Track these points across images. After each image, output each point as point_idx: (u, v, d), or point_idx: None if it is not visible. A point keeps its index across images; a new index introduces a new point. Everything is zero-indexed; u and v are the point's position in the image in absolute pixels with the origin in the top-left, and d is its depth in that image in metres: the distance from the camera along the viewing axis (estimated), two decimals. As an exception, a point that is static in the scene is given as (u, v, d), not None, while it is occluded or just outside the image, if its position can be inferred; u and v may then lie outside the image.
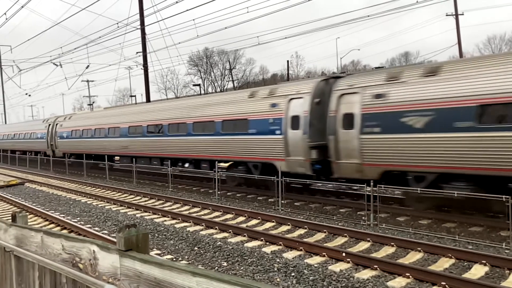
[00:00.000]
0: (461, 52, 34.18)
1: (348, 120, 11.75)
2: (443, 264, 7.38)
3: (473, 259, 7.37)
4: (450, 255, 7.60)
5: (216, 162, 16.11)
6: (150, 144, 19.97)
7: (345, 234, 9.37)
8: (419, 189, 10.13)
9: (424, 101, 10.12)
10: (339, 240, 9.18)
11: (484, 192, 8.97)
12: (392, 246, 8.44)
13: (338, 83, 12.56)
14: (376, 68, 19.72)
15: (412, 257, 7.81)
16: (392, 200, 12.39)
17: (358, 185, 11.04)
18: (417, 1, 20.19)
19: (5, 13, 24.54)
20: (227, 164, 17.20)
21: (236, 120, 15.39)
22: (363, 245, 8.73)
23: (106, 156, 22.62)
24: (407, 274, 6.77)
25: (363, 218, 10.74)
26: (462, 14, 35.03)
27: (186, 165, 18.21)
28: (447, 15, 35.18)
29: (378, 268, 7.16)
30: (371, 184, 10.28)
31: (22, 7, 24.59)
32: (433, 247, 8.08)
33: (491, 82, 9.13)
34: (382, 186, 10.46)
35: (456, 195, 9.27)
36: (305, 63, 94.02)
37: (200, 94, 50.26)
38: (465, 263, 7.35)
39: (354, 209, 11.96)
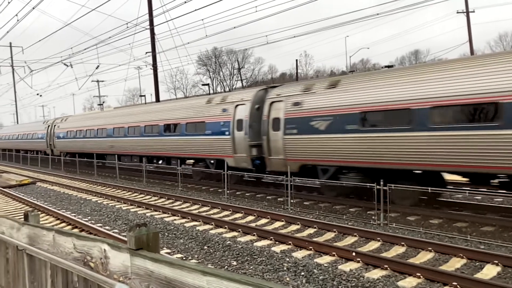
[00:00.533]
0: (472, 49, 33.82)
1: (276, 123, 14.05)
2: (454, 264, 7.31)
3: (485, 259, 7.29)
4: (461, 255, 7.52)
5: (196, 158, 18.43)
6: (131, 143, 22.31)
7: (355, 234, 9.33)
8: (429, 188, 10.13)
9: (326, 108, 12.49)
10: (349, 240, 9.14)
11: (370, 182, 10.93)
12: (403, 245, 8.38)
13: (270, 93, 15.02)
14: (385, 66, 19.61)
15: (423, 257, 7.75)
16: (403, 200, 12.28)
17: (368, 184, 10.98)
18: (427, -1, 20.01)
19: (16, 15, 24.81)
20: (192, 161, 19.42)
21: (196, 123, 17.75)
22: (373, 245, 8.68)
23: (116, 155, 22.92)
24: (418, 274, 6.71)
25: (373, 217, 10.68)
26: (473, 12, 34.71)
27: (160, 162, 20.87)
28: (458, 13, 34.82)
29: (388, 268, 7.12)
30: (381, 183, 10.22)
31: (33, 8, 24.86)
32: (444, 247, 8.00)
33: (370, 94, 11.48)
34: (392, 185, 10.40)
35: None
36: (314, 62, 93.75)
37: (209, 93, 50.36)
38: (477, 263, 7.27)
39: (364, 208, 11.89)
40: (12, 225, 4.32)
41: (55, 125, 32.25)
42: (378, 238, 8.87)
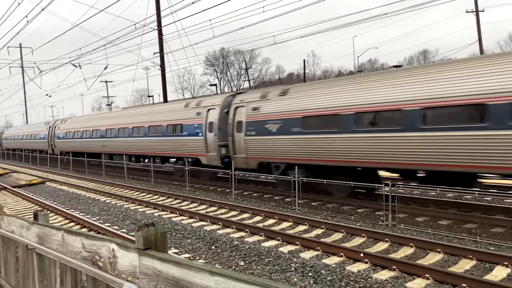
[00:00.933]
0: (482, 49, 33.50)
1: (239, 126, 15.83)
2: (463, 265, 7.24)
3: (495, 260, 7.21)
4: (471, 256, 7.45)
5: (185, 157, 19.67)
6: (121, 143, 24.45)
7: (363, 235, 9.29)
8: (438, 188, 10.23)
9: (277, 113, 14.35)
10: (357, 241, 9.10)
11: (313, 177, 12.76)
12: (411, 246, 8.32)
13: (235, 98, 16.81)
14: (393, 66, 19.47)
15: (432, 258, 7.69)
16: (411, 200, 12.23)
17: (376, 185, 10.93)
18: (436, -2, 19.86)
19: (26, 16, 25.02)
20: (174, 160, 21.01)
21: (175, 125, 19.63)
22: (381, 246, 8.63)
23: (124, 156, 23.09)
24: (427, 275, 6.66)
25: (381, 218, 10.63)
26: (483, 11, 34.40)
27: (146, 160, 22.62)
28: (467, 12, 34.52)
29: (396, 269, 7.07)
30: (389, 184, 10.17)
31: (43, 9, 25.00)
32: (454, 248, 7.94)
33: (309, 102, 13.39)
34: (401, 185, 10.34)
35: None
36: (321, 62, 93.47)
37: (217, 93, 50.47)
38: (487, 265, 7.20)
39: (372, 209, 11.84)
40: (22, 225, 4.36)
41: (55, 126, 34.72)
42: (386, 239, 8.82)
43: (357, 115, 11.85)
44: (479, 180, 10.60)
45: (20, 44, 54.56)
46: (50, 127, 35.99)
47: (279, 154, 14.37)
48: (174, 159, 20.98)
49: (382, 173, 12.95)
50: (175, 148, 19.65)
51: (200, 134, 17.96)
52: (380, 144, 11.27)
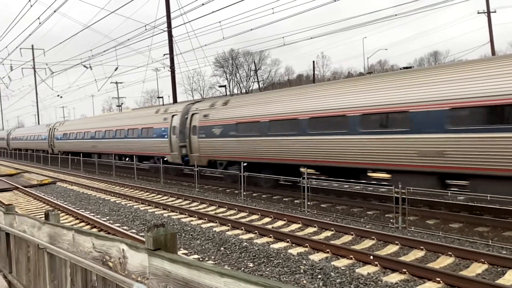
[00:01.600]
0: (494, 50, 33.13)
1: (194, 130, 18.97)
2: (475, 269, 7.15)
3: (508, 264, 7.10)
4: (483, 260, 7.35)
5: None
6: (107, 144, 27.69)
7: (373, 237, 9.22)
8: (449, 192, 10.16)
9: (220, 119, 17.56)
10: (367, 243, 9.04)
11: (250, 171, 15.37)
12: (422, 249, 8.24)
13: (192, 106, 19.97)
14: (403, 68, 19.31)
15: (443, 262, 7.60)
16: (421, 202, 12.11)
17: (386, 187, 10.84)
18: (447, -1, 19.67)
19: (38, 18, 25.33)
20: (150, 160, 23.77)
21: (148, 128, 22.80)
22: (391, 248, 8.56)
23: (134, 156, 23.33)
24: (438, 279, 6.59)
25: (391, 220, 10.54)
26: (495, 12, 33.99)
27: (127, 159, 26.27)
28: (478, 13, 34.17)
29: (407, 272, 7.01)
30: (399, 186, 10.09)
31: (55, 11, 25.28)
32: (465, 251, 7.84)
33: (241, 111, 16.67)
34: (411, 188, 10.26)
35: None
36: (331, 63, 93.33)
37: (226, 95, 50.54)
38: (499, 269, 7.09)
39: (381, 211, 11.75)
40: (33, 224, 4.41)
41: (54, 128, 38.15)
42: (396, 242, 8.75)
43: (271, 123, 15.15)
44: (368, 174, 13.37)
45: (32, 46, 55.24)
46: (50, 129, 39.22)
47: (222, 153, 17.65)
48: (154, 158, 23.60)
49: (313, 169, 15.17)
50: (148, 148, 22.90)
51: (166, 137, 21.03)
52: (289, 145, 14.33)
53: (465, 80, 9.80)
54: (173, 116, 20.76)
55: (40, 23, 25.57)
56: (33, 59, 54.59)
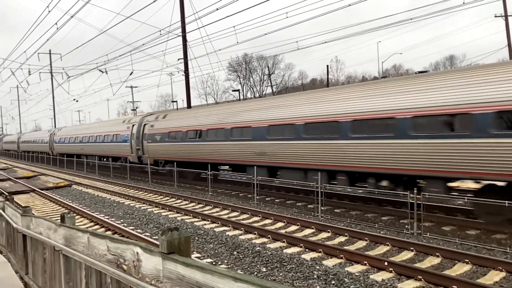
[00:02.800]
0: (512, 54, 32.53)
1: (145, 136, 24.46)
2: (492, 277, 7.00)
3: (526, 273, 6.97)
4: (500, 268, 7.20)
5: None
6: (90, 147, 33.17)
7: (387, 243, 9.11)
8: (466, 197, 10.00)
9: (160, 129, 22.88)
10: (381, 249, 8.93)
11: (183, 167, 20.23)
12: (437, 256, 8.11)
13: (145, 118, 25.77)
14: (419, 72, 19.10)
15: (459, 269, 7.47)
16: (437, 208, 11.93)
17: (401, 192, 10.72)
18: (463, 2, 19.45)
19: (56, 23, 25.78)
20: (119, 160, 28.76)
21: (117, 134, 28.38)
22: (406, 255, 8.44)
23: (148, 160, 23.63)
24: (454, 286, 6.47)
25: (406, 226, 10.40)
26: (512, 15, 33.36)
27: (104, 159, 31.05)
28: (495, 17, 33.67)
29: (422, 279, 6.90)
30: (415, 191, 9.96)
31: (72, 17, 25.74)
32: (482, 259, 7.68)
33: (175, 123, 21.68)
34: (427, 194, 10.12)
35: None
36: (345, 68, 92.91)
37: (239, 99, 50.67)
38: (518, 277, 6.94)
39: (396, 217, 11.61)
40: (49, 226, 4.46)
41: (54, 134, 43.86)
42: (412, 248, 8.63)
43: (209, 131, 18.80)
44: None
45: (50, 51, 56.19)
46: (50, 134, 45.37)
47: (161, 154, 22.97)
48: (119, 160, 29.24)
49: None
50: (117, 150, 28.52)
51: (127, 141, 26.69)
52: (195, 148, 19.59)
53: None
54: (133, 125, 26.29)
55: (57, 29, 26.05)
56: (50, 64, 55.54)
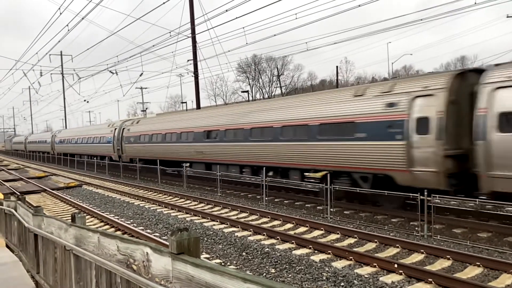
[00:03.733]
0: (524, 55, 32.14)
1: (123, 138, 29.15)
2: (504, 280, 6.91)
3: (539, 276, 6.89)
4: (513, 271, 7.11)
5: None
6: (82, 147, 38.37)
7: (397, 245, 9.04)
8: (477, 200, 9.88)
9: (134, 132, 27.66)
10: (391, 251, 8.87)
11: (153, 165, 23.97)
12: (448, 259, 8.03)
13: (124, 123, 30.60)
14: (429, 73, 18.96)
15: (471, 272, 7.39)
16: (448, 210, 11.82)
17: (412, 194, 10.63)
18: (475, 3, 19.24)
19: (67, 25, 26.06)
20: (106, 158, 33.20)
21: (101, 136, 33.44)
22: (416, 257, 8.37)
23: (158, 161, 23.65)
24: (465, 289, 6.41)
25: (416, 228, 10.31)
26: (525, 15, 32.96)
27: (94, 158, 34.67)
28: (508, 17, 33.30)
29: (433, 282, 6.83)
30: (425, 193, 9.87)
31: (83, 18, 25.97)
32: (494, 262, 7.59)
33: (142, 127, 27.07)
34: (437, 196, 10.02)
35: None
36: (354, 69, 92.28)
37: (248, 100, 50.74)
38: (530, 281, 6.84)
39: (406, 219, 11.51)
40: (60, 226, 4.50)
41: (55, 135, 49.92)
42: (422, 250, 8.55)
43: (157, 135, 24.81)
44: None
45: (61, 52, 56.75)
46: (52, 135, 51.36)
47: (135, 153, 27.56)
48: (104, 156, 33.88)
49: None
50: (101, 150, 33.33)
51: (110, 142, 31.31)
52: (172, 147, 23.06)
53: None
54: (115, 129, 31.02)
55: (68, 30, 26.31)
56: (62, 65, 56.07)
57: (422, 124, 10.67)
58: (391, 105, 11.43)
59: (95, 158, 34.08)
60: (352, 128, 12.45)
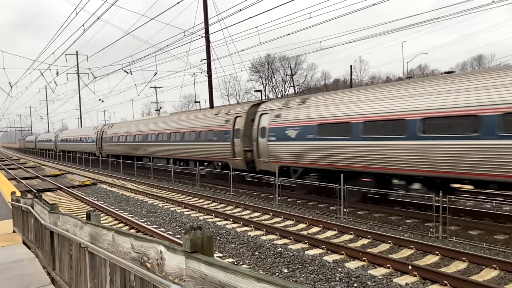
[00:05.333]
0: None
1: (103, 139, 36.14)
2: (522, 283, 6.78)
3: (558, 280, 6.80)
4: (530, 274, 6.99)
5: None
6: (76, 146, 44.67)
7: (411, 246, 8.95)
8: (494, 202, 9.71)
9: (116, 134, 33.78)
10: (405, 252, 8.78)
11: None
12: (464, 261, 7.91)
13: (103, 127, 37.96)
14: (445, 72, 18.72)
15: (487, 274, 7.27)
16: (464, 212, 11.65)
17: (425, 195, 10.50)
18: (493, 1, 18.90)
19: (83, 25, 26.38)
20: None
21: (87, 137, 40.10)
22: (431, 259, 8.27)
23: (171, 159, 23.85)
24: (481, 292, 6.32)
25: (431, 230, 10.18)
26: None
27: (87, 154, 40.83)
28: (527, 15, 32.65)
29: (448, 284, 6.74)
30: (440, 194, 9.74)
31: (98, 18, 26.28)
32: (511, 264, 7.45)
33: (128, 129, 32.44)
34: (452, 197, 9.88)
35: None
36: (369, 68, 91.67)
37: (261, 100, 50.72)
38: (549, 284, 6.71)
39: (421, 220, 11.38)
40: (75, 224, 4.56)
41: (58, 135, 56.09)
42: (437, 252, 8.45)
43: (119, 136, 32.04)
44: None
45: (77, 52, 57.54)
46: (56, 135, 57.32)
47: (108, 151, 33.44)
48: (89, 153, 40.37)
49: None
50: (88, 148, 39.82)
51: (93, 142, 37.94)
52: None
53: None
54: (97, 132, 38.33)
55: (84, 30, 26.62)
56: (77, 65, 56.84)
57: (237, 132, 18.40)
58: (227, 121, 19.20)
59: (83, 154, 41.06)
60: (211, 134, 20.38)
